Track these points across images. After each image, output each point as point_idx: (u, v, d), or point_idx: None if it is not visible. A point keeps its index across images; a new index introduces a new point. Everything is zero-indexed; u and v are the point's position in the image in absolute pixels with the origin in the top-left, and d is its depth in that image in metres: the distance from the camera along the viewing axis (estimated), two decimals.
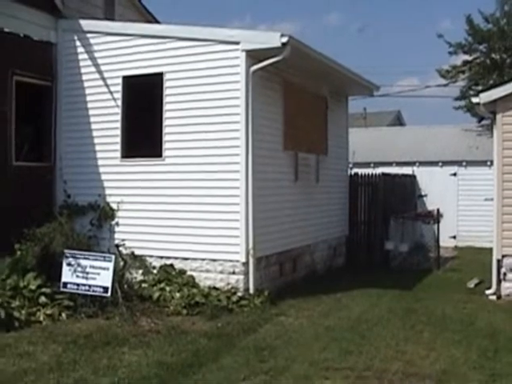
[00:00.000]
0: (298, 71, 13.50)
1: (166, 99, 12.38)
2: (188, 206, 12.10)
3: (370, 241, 17.85)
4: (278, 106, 13.02)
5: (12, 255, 11.20)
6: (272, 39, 11.32)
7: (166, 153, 12.37)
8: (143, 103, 12.93)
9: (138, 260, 12.37)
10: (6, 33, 12.43)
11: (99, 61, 13.12)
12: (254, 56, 11.66)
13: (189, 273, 12.02)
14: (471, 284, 13.80)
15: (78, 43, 13.37)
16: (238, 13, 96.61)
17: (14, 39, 12.59)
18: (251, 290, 11.69)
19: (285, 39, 11.18)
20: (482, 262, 14.53)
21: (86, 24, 13.35)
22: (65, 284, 10.78)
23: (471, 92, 24.96)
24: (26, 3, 12.78)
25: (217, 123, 11.89)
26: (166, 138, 12.37)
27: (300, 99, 13.81)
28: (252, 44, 11.55)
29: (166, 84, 12.37)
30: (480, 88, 23.02)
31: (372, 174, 18.30)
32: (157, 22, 17.11)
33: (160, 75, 12.41)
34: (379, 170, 19.88)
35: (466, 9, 67.83)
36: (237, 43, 11.67)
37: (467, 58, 26.72)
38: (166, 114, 12.38)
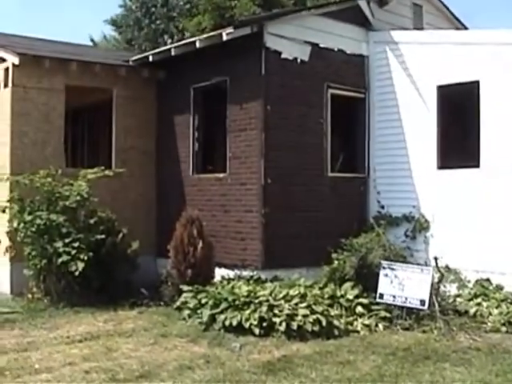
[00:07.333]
0: None
1: (482, 107, 11.94)
2: (507, 217, 11.56)
3: None
4: None
5: (329, 264, 11.50)
6: None
7: (483, 162, 11.92)
8: (458, 112, 12.63)
9: (453, 273, 12.06)
10: (321, 48, 12.93)
11: (411, 71, 13.10)
12: None
13: (506, 289, 11.45)
14: None
15: (389, 54, 13.48)
16: None
17: (328, 54, 13.12)
18: None
19: None
20: None
21: (396, 35, 13.43)
22: (381, 295, 10.80)
23: None
24: (340, 19, 13.32)
25: None
26: (483, 146, 11.92)
27: None
28: None
29: (483, 91, 11.94)
30: None
31: None
32: (465, 28, 16.69)
33: (475, 83, 12.01)
34: None
35: None
36: None
37: None
38: (482, 123, 11.93)
